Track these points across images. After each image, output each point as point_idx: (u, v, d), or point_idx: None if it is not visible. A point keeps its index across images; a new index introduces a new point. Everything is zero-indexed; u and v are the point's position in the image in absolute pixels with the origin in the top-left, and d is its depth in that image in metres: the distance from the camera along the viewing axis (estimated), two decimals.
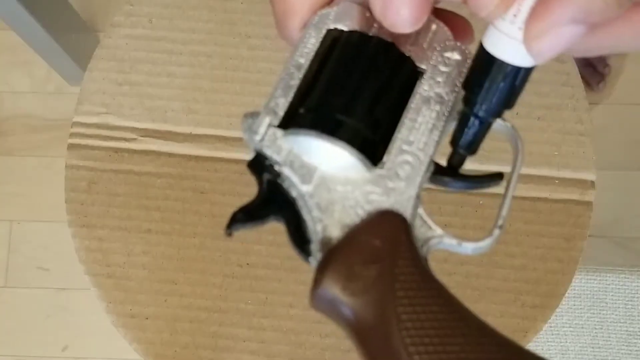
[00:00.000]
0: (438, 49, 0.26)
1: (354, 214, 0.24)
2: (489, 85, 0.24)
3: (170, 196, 0.51)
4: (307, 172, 0.25)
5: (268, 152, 0.25)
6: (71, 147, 0.52)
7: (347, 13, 0.26)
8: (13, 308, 1.04)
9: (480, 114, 0.25)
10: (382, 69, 0.25)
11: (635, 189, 1.06)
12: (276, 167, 0.25)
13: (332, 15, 0.26)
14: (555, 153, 0.51)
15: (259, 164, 0.26)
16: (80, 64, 1.01)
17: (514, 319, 0.49)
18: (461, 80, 0.26)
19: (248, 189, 0.51)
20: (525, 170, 0.50)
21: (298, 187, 0.25)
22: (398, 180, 0.25)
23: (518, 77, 0.25)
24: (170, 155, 0.52)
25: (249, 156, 0.26)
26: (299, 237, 0.26)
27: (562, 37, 0.21)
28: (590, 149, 0.51)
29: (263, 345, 0.49)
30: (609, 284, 0.70)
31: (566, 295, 0.49)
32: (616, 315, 0.70)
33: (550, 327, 0.69)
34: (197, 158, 0.52)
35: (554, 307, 0.49)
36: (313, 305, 0.25)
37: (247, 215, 0.26)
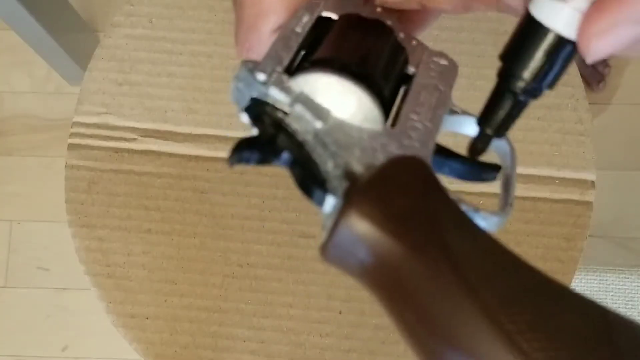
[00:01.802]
0: (427, 53, 0.26)
1: (375, 158, 0.23)
2: (535, 58, 0.23)
3: (170, 196, 0.51)
4: (321, 111, 0.23)
5: (274, 92, 0.23)
6: (71, 147, 0.52)
7: (338, 3, 0.26)
8: (13, 308, 1.04)
9: (519, 89, 0.24)
10: (383, 43, 0.25)
11: (635, 189, 1.06)
12: (283, 108, 0.24)
13: (322, 4, 0.26)
14: (555, 153, 0.51)
15: (256, 111, 0.24)
16: (80, 64, 1.01)
17: None
18: (451, 84, 0.25)
19: (248, 189, 0.51)
20: (525, 170, 0.50)
21: (312, 124, 0.23)
22: (411, 140, 0.23)
23: (567, 51, 0.23)
24: (170, 155, 0.52)
25: (239, 106, 0.24)
26: (310, 178, 0.23)
27: (621, 37, 0.20)
28: (590, 149, 0.51)
29: (263, 345, 0.49)
30: (609, 284, 0.70)
31: None
32: None
33: None
34: (197, 158, 0.52)
35: None
36: (331, 249, 0.22)
37: (251, 146, 0.24)
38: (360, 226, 0.21)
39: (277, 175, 0.51)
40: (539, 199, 0.50)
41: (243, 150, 0.23)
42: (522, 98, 0.24)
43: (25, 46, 0.95)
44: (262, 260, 0.50)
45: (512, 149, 0.26)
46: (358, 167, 0.22)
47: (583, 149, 0.51)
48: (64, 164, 0.52)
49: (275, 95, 0.23)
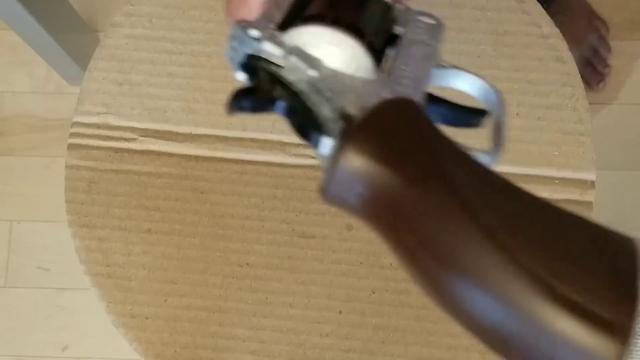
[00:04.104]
0: (414, 14, 0.28)
1: (369, 101, 0.24)
2: None
3: (170, 196, 0.51)
4: (314, 60, 0.25)
5: (268, 47, 0.25)
6: (71, 147, 0.52)
7: None
8: (13, 308, 1.03)
9: None
10: (372, 2, 0.26)
11: (635, 189, 1.06)
12: (277, 62, 0.25)
13: None
14: (555, 153, 0.51)
15: (251, 66, 0.25)
16: (80, 64, 1.01)
17: None
18: (438, 40, 0.27)
19: (248, 189, 0.51)
20: (525, 170, 0.50)
21: (306, 73, 0.24)
22: (403, 87, 0.25)
23: None
24: (170, 155, 0.52)
25: (234, 63, 0.25)
26: (307, 123, 0.24)
27: None
28: (590, 149, 0.51)
29: (263, 345, 0.49)
30: None
31: None
32: None
33: None
34: (197, 158, 0.52)
35: None
36: (332, 187, 0.23)
37: (248, 95, 0.25)
38: (358, 162, 0.22)
39: (277, 176, 0.51)
40: None
41: (241, 99, 0.24)
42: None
43: (25, 46, 0.95)
44: (262, 260, 0.50)
45: (499, 96, 0.27)
46: (353, 110, 0.23)
47: (583, 149, 0.51)
48: (64, 164, 0.52)
49: (269, 50, 0.25)
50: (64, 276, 1.03)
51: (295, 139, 0.52)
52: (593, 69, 1.01)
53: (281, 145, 0.52)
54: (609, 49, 1.01)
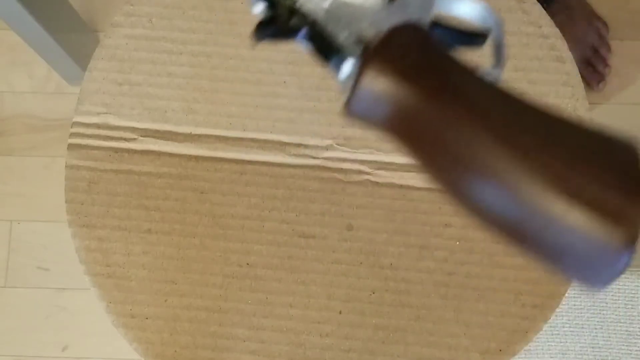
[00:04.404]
0: None
1: (382, 26, 0.26)
2: None
3: (170, 196, 0.51)
4: None
5: None
6: (71, 147, 0.52)
7: None
8: (13, 308, 1.03)
9: None
10: None
11: None
12: None
13: None
14: None
15: (272, 4, 0.28)
16: (80, 64, 1.01)
17: (514, 319, 0.49)
18: None
19: (248, 189, 0.51)
20: None
21: (321, 4, 0.27)
22: (410, 12, 0.27)
23: None
24: (170, 155, 0.52)
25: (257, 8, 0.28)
26: (327, 48, 0.27)
27: None
28: None
29: (263, 345, 0.49)
30: None
31: (566, 295, 0.49)
32: (616, 315, 0.70)
33: (550, 327, 0.69)
34: (197, 158, 0.52)
35: (554, 307, 0.49)
36: (355, 104, 0.25)
37: (271, 25, 0.27)
38: (378, 80, 0.24)
39: (277, 176, 0.51)
40: None
41: (263, 29, 0.27)
42: None
43: (25, 46, 0.95)
44: (262, 260, 0.50)
45: (498, 18, 0.29)
46: (369, 33, 0.26)
47: None
48: (64, 164, 0.52)
49: None
50: (64, 276, 1.03)
51: (295, 138, 0.52)
52: (593, 69, 1.01)
53: (281, 145, 0.52)
54: (609, 49, 1.01)
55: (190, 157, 0.52)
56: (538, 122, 0.24)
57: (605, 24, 1.01)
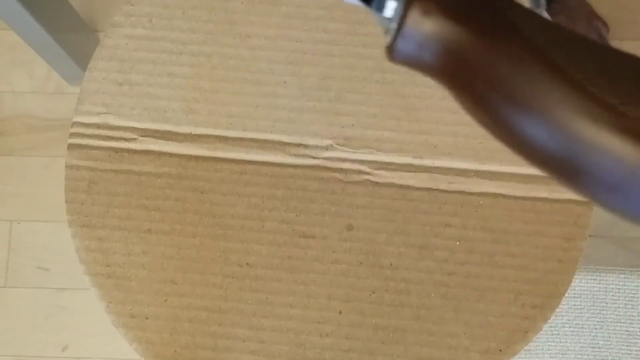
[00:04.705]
0: None
1: None
2: None
3: (170, 196, 0.51)
4: None
5: None
6: (71, 147, 0.52)
7: None
8: (13, 308, 1.03)
9: None
10: None
11: None
12: None
13: None
14: None
15: None
16: (80, 64, 1.01)
17: (514, 319, 0.49)
18: None
19: (248, 189, 0.51)
20: (525, 170, 0.50)
21: None
22: None
23: None
24: (170, 155, 0.52)
25: None
26: None
27: None
28: None
29: (263, 345, 0.49)
30: (609, 284, 0.70)
31: (566, 295, 0.49)
32: (616, 315, 0.70)
33: (550, 327, 0.69)
34: (197, 158, 0.52)
35: (554, 307, 0.49)
36: (401, 47, 0.24)
37: None
38: (426, 18, 0.23)
39: (277, 176, 0.51)
40: (539, 199, 0.50)
41: None
42: None
43: (25, 46, 0.95)
44: (262, 260, 0.50)
45: None
46: None
47: None
48: (64, 164, 0.52)
49: None
50: (64, 276, 1.03)
51: (295, 138, 0.52)
52: None
53: (281, 145, 0.52)
54: None
55: (190, 157, 0.52)
56: (593, 53, 0.24)
57: (605, 24, 1.01)
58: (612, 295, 0.70)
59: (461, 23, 0.23)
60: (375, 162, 0.52)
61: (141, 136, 0.52)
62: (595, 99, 0.22)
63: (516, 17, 0.24)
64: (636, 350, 0.69)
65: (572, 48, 0.24)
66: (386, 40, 0.25)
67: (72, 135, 0.52)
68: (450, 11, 0.23)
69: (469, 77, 0.24)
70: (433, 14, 0.23)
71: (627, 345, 0.69)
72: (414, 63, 0.25)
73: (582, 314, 0.70)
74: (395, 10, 0.25)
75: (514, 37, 0.23)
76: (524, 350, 0.49)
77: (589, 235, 0.50)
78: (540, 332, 0.49)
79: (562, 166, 0.24)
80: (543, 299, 0.49)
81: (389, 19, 0.25)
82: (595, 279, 0.70)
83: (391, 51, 0.25)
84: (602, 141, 0.22)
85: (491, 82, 0.23)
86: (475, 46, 0.23)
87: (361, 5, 0.26)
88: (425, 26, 0.23)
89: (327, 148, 0.52)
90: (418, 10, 0.23)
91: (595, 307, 0.70)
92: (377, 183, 0.51)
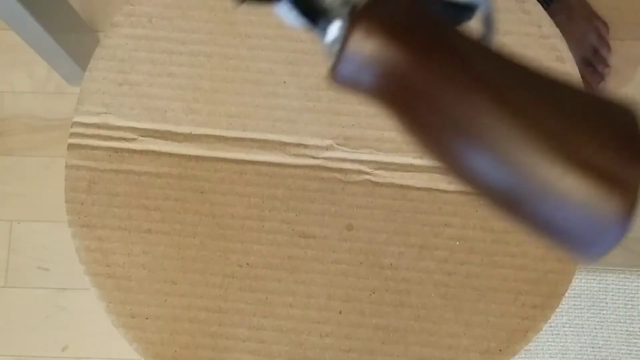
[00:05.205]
0: None
1: None
2: None
3: (170, 196, 0.51)
4: None
5: None
6: (71, 147, 0.52)
7: None
8: (13, 308, 1.03)
9: None
10: None
11: None
12: None
13: None
14: None
15: None
16: (80, 64, 1.01)
17: (514, 319, 0.49)
18: None
19: (248, 189, 0.51)
20: None
21: None
22: None
23: None
24: (170, 155, 0.52)
25: None
26: (313, 11, 0.26)
27: None
28: None
29: (263, 345, 0.49)
30: (609, 284, 0.70)
31: (566, 295, 0.49)
32: (616, 315, 0.70)
33: (550, 327, 0.69)
34: (197, 158, 0.52)
35: (554, 307, 0.49)
36: (342, 68, 0.24)
37: None
38: (367, 40, 0.23)
39: (277, 176, 0.51)
40: None
41: None
42: None
43: (25, 46, 0.95)
44: (262, 260, 0.50)
45: None
46: None
47: None
48: (64, 164, 0.52)
49: None
50: (64, 276, 1.03)
51: (295, 138, 0.52)
52: (593, 69, 1.01)
53: (281, 145, 0.52)
54: (609, 49, 1.01)
55: (190, 157, 0.52)
56: (535, 82, 0.23)
57: (605, 24, 1.01)
58: (612, 295, 0.70)
59: (402, 45, 0.23)
60: (375, 162, 0.52)
61: (141, 136, 0.52)
62: (538, 128, 0.22)
63: (456, 41, 0.24)
64: (636, 350, 0.69)
65: (511, 74, 0.23)
66: (329, 62, 0.25)
67: (72, 135, 0.52)
68: (392, 33, 0.23)
69: (409, 101, 0.24)
70: (376, 35, 0.23)
71: (627, 345, 0.69)
72: (355, 85, 0.25)
73: (582, 314, 0.70)
74: (339, 32, 0.25)
75: (452, 60, 0.23)
76: (524, 350, 0.49)
77: None
78: (540, 332, 0.49)
79: (502, 196, 0.23)
80: (543, 299, 0.49)
81: (333, 41, 0.25)
82: (595, 279, 0.70)
83: (333, 74, 0.24)
84: (543, 170, 0.21)
85: (429, 106, 0.23)
86: (413, 67, 0.23)
87: (306, 27, 0.26)
88: (366, 48, 0.23)
89: (327, 148, 0.52)
90: (361, 31, 0.23)
91: (595, 307, 0.70)
92: (377, 183, 0.51)
